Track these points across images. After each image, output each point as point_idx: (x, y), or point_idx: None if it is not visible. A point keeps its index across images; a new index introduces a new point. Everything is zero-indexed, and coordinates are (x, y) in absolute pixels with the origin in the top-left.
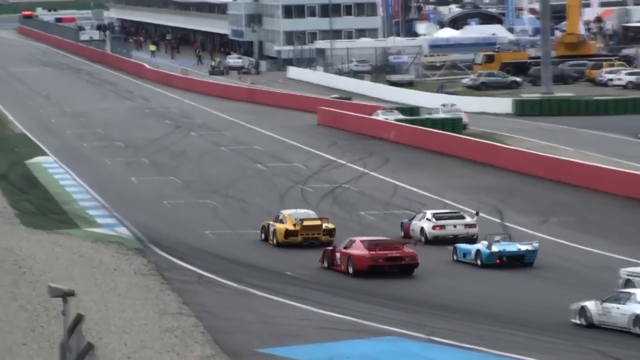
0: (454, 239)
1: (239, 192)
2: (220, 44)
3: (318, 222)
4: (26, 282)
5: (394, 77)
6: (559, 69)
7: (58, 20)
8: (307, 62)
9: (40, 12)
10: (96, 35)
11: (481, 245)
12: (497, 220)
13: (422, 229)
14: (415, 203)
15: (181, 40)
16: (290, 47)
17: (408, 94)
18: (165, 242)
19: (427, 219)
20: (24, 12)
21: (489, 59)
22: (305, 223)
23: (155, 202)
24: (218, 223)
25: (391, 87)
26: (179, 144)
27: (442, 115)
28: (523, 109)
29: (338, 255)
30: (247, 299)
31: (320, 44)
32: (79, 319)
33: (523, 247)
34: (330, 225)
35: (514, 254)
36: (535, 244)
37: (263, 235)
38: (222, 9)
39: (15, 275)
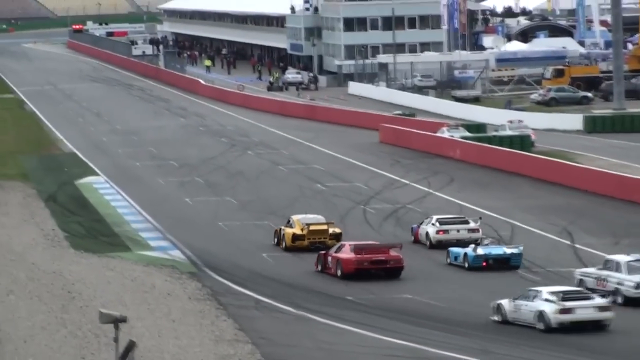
0: (457, 243)
1: (297, 213)
2: (278, 59)
3: (324, 227)
4: (76, 308)
5: (460, 93)
6: (632, 84)
7: (109, 34)
8: (368, 77)
9: (91, 26)
10: (149, 49)
11: (469, 249)
12: (567, 242)
13: (427, 233)
14: (482, 224)
15: (238, 54)
16: (352, 62)
17: (474, 110)
18: (220, 266)
19: (432, 223)
20: (73, 26)
21: (559, 74)
22: (312, 227)
23: (210, 223)
24: (277, 247)
25: (456, 103)
26: (235, 163)
27: (509, 133)
28: (594, 126)
29: (329, 259)
30: (306, 325)
31: (383, 58)
32: (131, 346)
33: (509, 251)
34: (337, 230)
35: (500, 256)
36: (521, 247)
37: (276, 240)
38: (280, 22)
39: (65, 301)
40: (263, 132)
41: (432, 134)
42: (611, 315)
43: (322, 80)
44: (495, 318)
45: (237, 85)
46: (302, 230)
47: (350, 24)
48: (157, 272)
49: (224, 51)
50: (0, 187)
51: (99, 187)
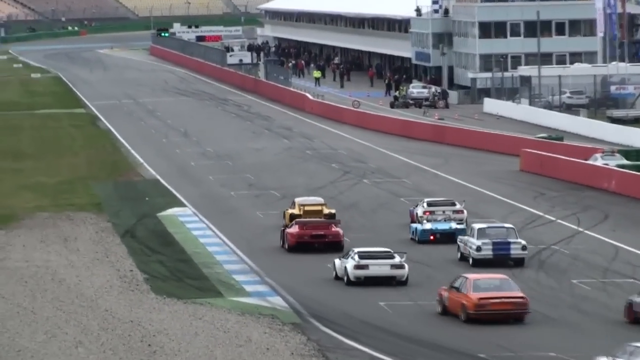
0: (445, 220)
1: (422, 253)
2: (402, 70)
3: (319, 208)
4: None
5: (617, 113)
6: None
7: (200, 39)
8: (508, 92)
9: (178, 29)
10: (247, 57)
11: (420, 224)
12: None
13: (417, 214)
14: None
15: (352, 64)
16: (488, 74)
17: (634, 134)
18: (329, 316)
19: (423, 205)
20: (157, 29)
21: None
22: (307, 208)
23: (317, 265)
24: (395, 293)
25: (613, 124)
26: (348, 193)
27: None
28: None
29: (286, 235)
30: None
31: (525, 70)
32: None
33: (454, 226)
34: (332, 210)
35: (446, 231)
36: (464, 225)
37: (284, 221)
38: (403, 26)
39: (144, 355)
40: (382, 157)
41: (583, 161)
42: (404, 272)
43: (453, 96)
44: (333, 274)
45: (351, 101)
46: (299, 210)
47: (487, 29)
48: (254, 322)
49: (336, 60)
50: (68, 219)
51: (186, 220)
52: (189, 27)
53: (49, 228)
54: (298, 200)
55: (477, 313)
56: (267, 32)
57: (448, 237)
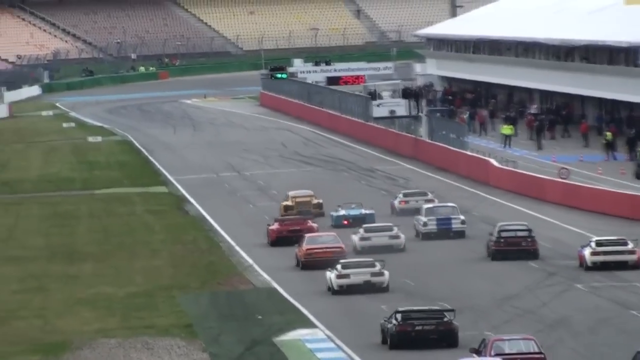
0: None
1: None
2: (633, 122)
3: (308, 199)
4: None
5: None
6: None
7: (332, 81)
8: None
9: (300, 68)
10: (402, 107)
11: (334, 212)
12: None
13: (393, 204)
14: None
15: (557, 115)
16: None
17: None
18: None
19: (399, 197)
20: (271, 68)
21: None
22: (298, 200)
23: None
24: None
25: None
26: (555, 304)
27: None
28: None
29: (268, 231)
30: None
31: None
32: None
33: (364, 212)
34: (320, 200)
35: (357, 216)
36: (373, 211)
37: (280, 213)
38: (632, 56)
39: None
40: None
41: None
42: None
43: None
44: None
45: (557, 169)
46: (292, 202)
47: None
48: None
49: (533, 109)
50: (146, 348)
51: (317, 347)
52: (317, 64)
53: None
54: (291, 193)
55: (306, 260)
56: (431, 69)
57: (359, 221)
